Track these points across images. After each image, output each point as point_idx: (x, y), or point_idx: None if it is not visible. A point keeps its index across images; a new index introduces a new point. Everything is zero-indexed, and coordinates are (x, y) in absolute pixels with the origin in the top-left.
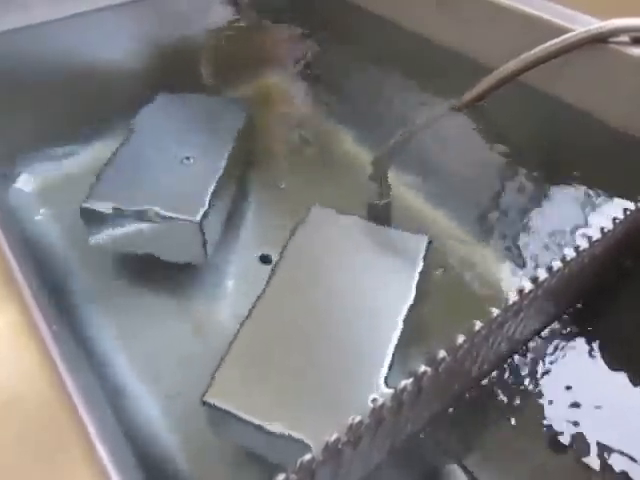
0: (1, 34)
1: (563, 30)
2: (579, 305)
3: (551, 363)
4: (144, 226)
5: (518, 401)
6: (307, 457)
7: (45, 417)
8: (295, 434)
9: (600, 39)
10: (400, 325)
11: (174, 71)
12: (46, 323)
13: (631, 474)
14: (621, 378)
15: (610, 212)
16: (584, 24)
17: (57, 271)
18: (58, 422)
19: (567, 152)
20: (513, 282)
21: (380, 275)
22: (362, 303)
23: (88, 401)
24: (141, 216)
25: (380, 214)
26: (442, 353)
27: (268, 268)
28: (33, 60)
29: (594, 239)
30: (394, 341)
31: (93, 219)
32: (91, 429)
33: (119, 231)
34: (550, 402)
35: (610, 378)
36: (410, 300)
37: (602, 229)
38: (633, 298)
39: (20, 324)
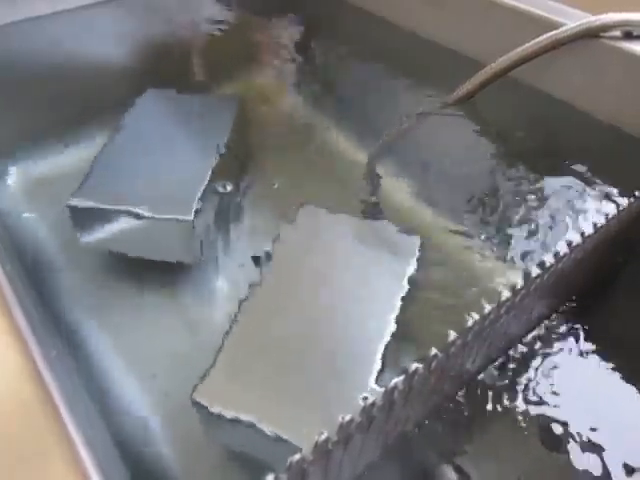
0: None
1: (554, 25)
2: (572, 301)
3: (544, 360)
4: (134, 225)
5: (511, 399)
6: (297, 457)
7: (27, 419)
8: (285, 434)
9: (591, 34)
10: (392, 323)
11: (164, 68)
12: (29, 324)
13: (626, 472)
14: (615, 375)
15: (603, 208)
16: (575, 19)
17: (45, 271)
18: (40, 424)
19: (559, 148)
20: (506, 279)
21: (372, 273)
22: (353, 301)
23: (71, 402)
24: (131, 215)
25: (372, 212)
26: (434, 351)
27: (260, 267)
28: (20, 57)
29: (587, 235)
30: (385, 339)
31: (81, 217)
32: (73, 431)
33: (108, 230)
34: (544, 400)
35: (604, 375)
36: (402, 297)
37: (595, 225)
38: (627, 294)
39: (3, 324)
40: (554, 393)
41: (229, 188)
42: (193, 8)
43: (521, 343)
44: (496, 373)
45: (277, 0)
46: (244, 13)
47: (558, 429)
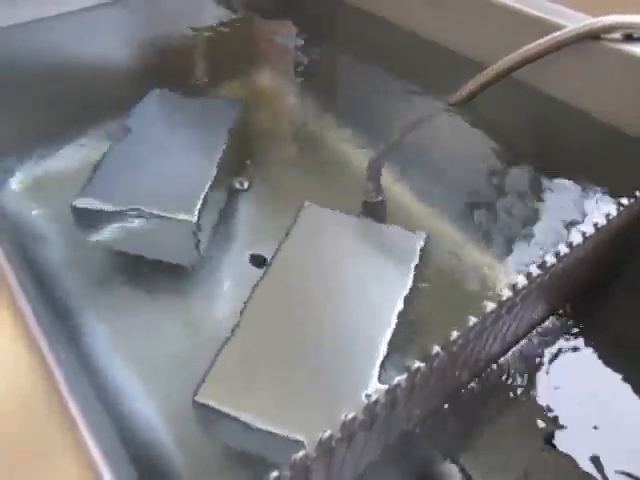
0: None
1: (554, 26)
2: (573, 301)
3: (544, 360)
4: (137, 226)
5: (512, 398)
6: (300, 454)
7: (35, 416)
8: (288, 432)
9: (592, 36)
10: (394, 321)
11: (166, 69)
12: (38, 323)
13: (625, 471)
14: (615, 375)
15: (603, 208)
16: (575, 21)
17: (49, 270)
18: (49, 421)
19: (560, 149)
20: (507, 278)
21: (374, 272)
22: (356, 300)
23: (80, 401)
24: (134, 215)
25: (375, 212)
26: (436, 349)
27: (262, 267)
28: (25, 59)
29: (587, 235)
30: (388, 337)
31: (84, 218)
32: (83, 428)
33: (111, 230)
34: (544, 399)
35: (604, 375)
36: (404, 296)
37: (595, 225)
38: (627, 294)
39: (9, 323)
40: (554, 393)
41: (231, 189)
42: (195, 9)
43: (521, 342)
44: (497, 372)
45: (277, 0)
46: (245, 14)
47: (558, 428)
